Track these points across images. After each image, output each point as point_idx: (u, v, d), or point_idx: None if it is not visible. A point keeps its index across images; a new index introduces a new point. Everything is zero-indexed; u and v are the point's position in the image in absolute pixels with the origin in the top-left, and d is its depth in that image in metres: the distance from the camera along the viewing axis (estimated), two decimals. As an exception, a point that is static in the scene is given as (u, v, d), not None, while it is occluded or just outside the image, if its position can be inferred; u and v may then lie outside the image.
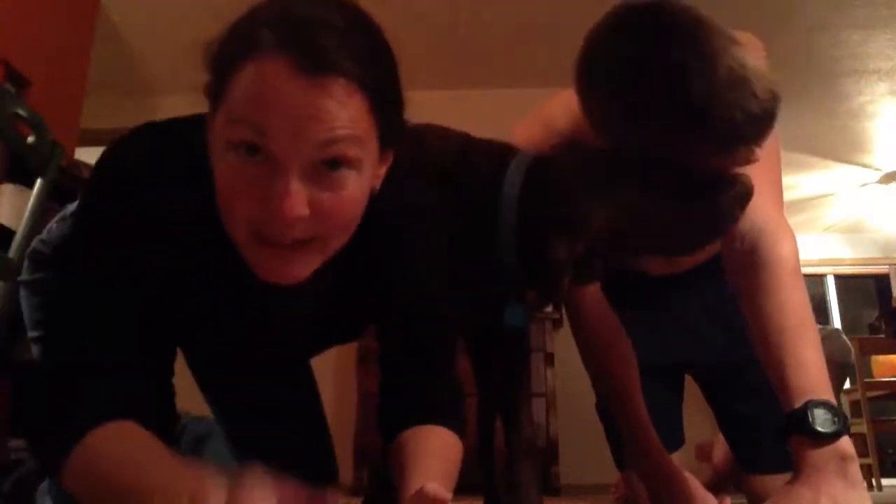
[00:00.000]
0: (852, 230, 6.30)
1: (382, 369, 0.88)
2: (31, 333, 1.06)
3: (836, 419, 0.81)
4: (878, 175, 5.23)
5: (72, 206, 1.06)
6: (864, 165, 5.10)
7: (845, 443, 0.80)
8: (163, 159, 0.74)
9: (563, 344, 3.02)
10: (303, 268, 0.69)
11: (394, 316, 0.87)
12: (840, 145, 4.82)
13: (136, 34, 3.57)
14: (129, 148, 0.76)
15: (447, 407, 0.84)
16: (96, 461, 0.66)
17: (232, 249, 0.71)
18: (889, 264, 6.38)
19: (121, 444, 0.67)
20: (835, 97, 4.21)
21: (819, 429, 0.80)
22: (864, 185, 5.38)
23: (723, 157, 0.88)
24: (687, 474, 1.12)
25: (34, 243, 1.09)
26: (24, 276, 1.09)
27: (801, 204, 5.57)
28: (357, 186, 0.67)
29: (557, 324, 3.15)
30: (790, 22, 3.47)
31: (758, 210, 0.92)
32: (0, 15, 2.31)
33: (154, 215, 0.73)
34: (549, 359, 3.12)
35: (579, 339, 1.20)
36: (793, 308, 0.89)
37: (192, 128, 0.72)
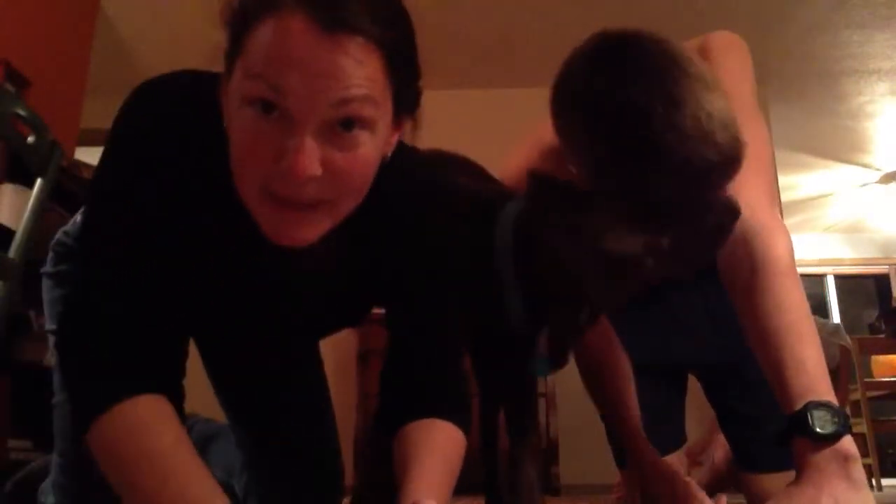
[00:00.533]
0: (852, 230, 6.30)
1: (389, 356, 0.87)
2: (51, 326, 1.05)
3: (836, 419, 0.80)
4: (878, 175, 5.23)
5: None
6: (864, 165, 5.11)
7: (847, 443, 0.80)
8: (183, 118, 0.75)
9: (564, 344, 3.03)
10: (312, 230, 0.69)
11: (405, 299, 0.86)
12: (840, 145, 4.82)
13: (136, 34, 3.57)
14: (151, 103, 0.77)
15: (454, 401, 0.83)
16: (122, 439, 0.67)
17: (245, 214, 0.71)
18: (889, 264, 6.38)
19: (148, 432, 0.67)
20: (835, 97, 4.21)
21: (819, 430, 0.79)
22: (864, 185, 5.38)
23: (690, 196, 0.88)
24: (682, 474, 1.12)
25: (58, 235, 1.08)
26: (48, 267, 1.08)
27: (801, 204, 5.57)
28: (370, 148, 0.67)
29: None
30: (790, 22, 3.47)
31: (750, 210, 0.91)
32: (0, 15, 2.31)
33: (173, 171, 0.73)
34: (549, 359, 3.12)
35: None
36: (789, 307, 0.88)
37: (212, 86, 0.72)
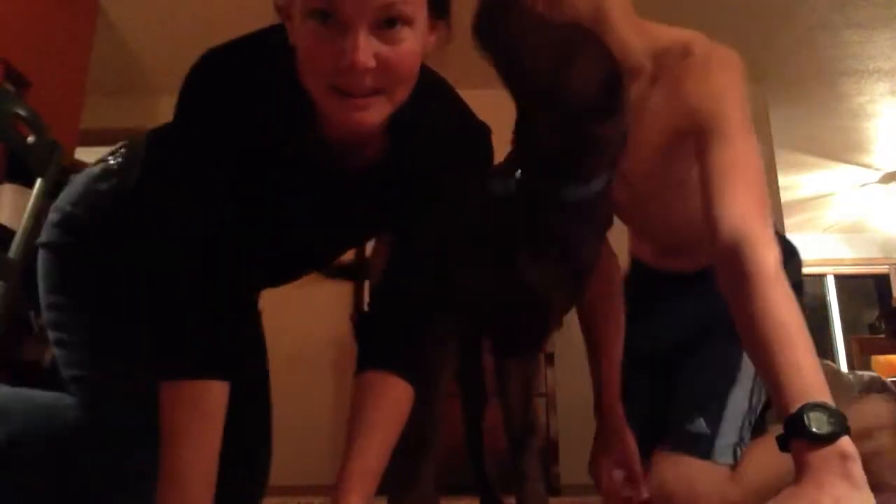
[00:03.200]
0: (852, 230, 6.31)
1: (374, 304, 1.03)
2: (49, 299, 1.04)
3: (832, 420, 0.80)
4: (878, 175, 5.23)
5: (95, 169, 1.07)
6: (864, 165, 5.11)
7: (845, 443, 0.79)
8: (250, 79, 0.88)
9: (564, 344, 3.02)
10: (375, 114, 0.84)
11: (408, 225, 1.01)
12: (840, 145, 4.82)
13: (136, 34, 3.57)
14: (218, 65, 0.89)
15: (413, 358, 0.99)
16: (175, 414, 0.83)
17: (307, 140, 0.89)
18: (889, 264, 6.38)
19: (208, 422, 0.83)
20: (835, 97, 4.21)
21: (815, 430, 0.79)
22: (864, 185, 5.38)
23: None
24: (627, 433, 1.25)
25: (66, 208, 1.06)
26: (51, 238, 1.05)
27: (801, 204, 5.57)
28: (413, 41, 0.82)
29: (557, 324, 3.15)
30: (790, 22, 3.47)
31: (739, 222, 0.95)
32: (0, 15, 2.31)
33: (245, 123, 0.87)
34: (549, 359, 3.12)
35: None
36: (779, 316, 0.89)
37: (261, 44, 0.88)
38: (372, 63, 0.78)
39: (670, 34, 1.17)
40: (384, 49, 0.79)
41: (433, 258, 1.01)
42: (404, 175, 0.99)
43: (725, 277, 0.96)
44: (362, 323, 1.04)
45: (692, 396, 1.29)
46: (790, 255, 1.32)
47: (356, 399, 0.95)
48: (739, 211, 0.95)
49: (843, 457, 0.79)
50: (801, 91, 4.10)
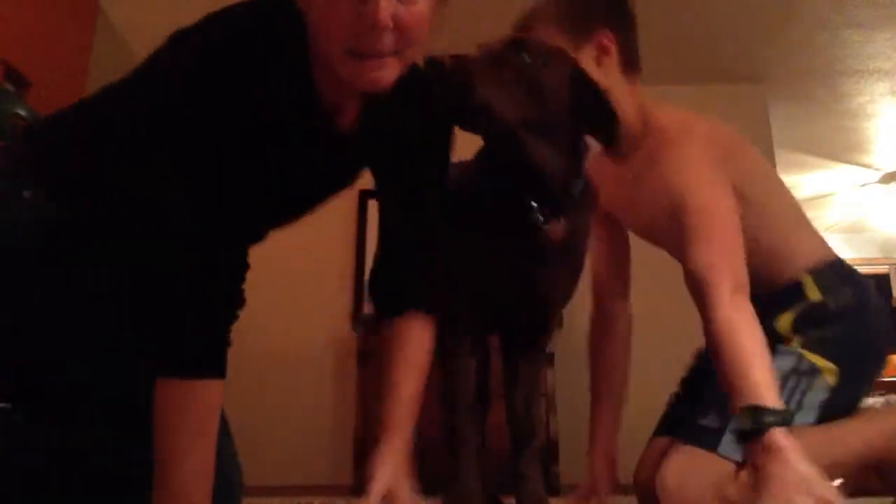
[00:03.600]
0: (852, 230, 6.30)
1: (380, 256, 1.12)
2: None
3: (763, 416, 0.92)
4: (878, 175, 5.23)
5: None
6: (864, 165, 5.10)
7: (776, 434, 0.91)
8: (253, 43, 0.86)
9: (564, 344, 3.02)
10: (389, 74, 0.87)
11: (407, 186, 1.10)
12: (840, 145, 4.82)
13: (136, 34, 3.57)
14: (230, 23, 0.88)
15: (426, 293, 1.09)
16: (171, 411, 0.81)
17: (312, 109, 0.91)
18: (889, 264, 6.38)
19: (207, 422, 0.83)
20: (835, 97, 4.20)
21: (741, 427, 0.92)
22: (864, 185, 5.38)
23: None
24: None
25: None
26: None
27: (801, 204, 5.55)
28: (425, 4, 0.85)
29: (558, 323, 3.14)
30: (790, 22, 3.46)
31: (702, 270, 1.16)
32: (0, 15, 2.31)
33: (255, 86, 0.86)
34: (549, 359, 3.12)
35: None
36: (735, 339, 1.07)
37: (258, 13, 0.88)
38: (390, 23, 0.81)
39: (658, 115, 1.36)
40: (401, 9, 0.82)
41: (424, 209, 1.10)
42: (377, 139, 1.05)
43: (699, 310, 1.15)
44: (372, 280, 1.13)
45: (711, 393, 1.31)
46: (842, 283, 1.35)
47: (385, 352, 1.05)
48: (703, 262, 1.16)
49: (778, 448, 0.90)
50: (800, 91, 4.09)
